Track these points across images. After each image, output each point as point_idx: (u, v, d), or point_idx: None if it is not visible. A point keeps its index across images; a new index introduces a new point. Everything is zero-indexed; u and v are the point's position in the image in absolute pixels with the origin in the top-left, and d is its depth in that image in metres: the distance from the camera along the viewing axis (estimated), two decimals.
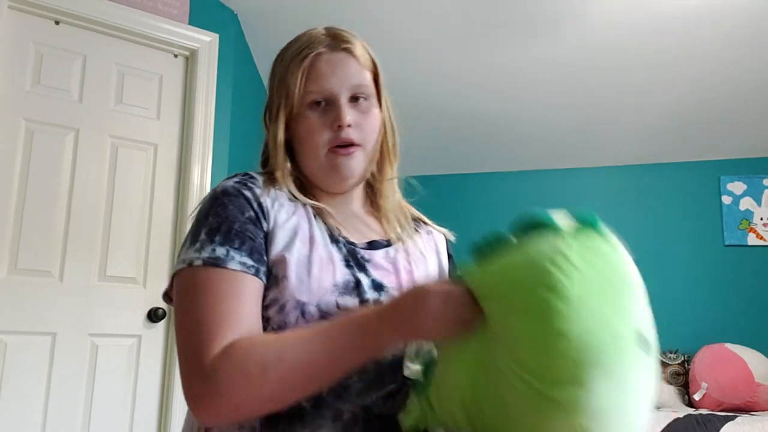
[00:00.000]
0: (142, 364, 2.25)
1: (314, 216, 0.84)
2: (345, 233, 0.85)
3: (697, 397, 3.02)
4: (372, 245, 0.86)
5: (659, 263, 3.56)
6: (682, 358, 3.28)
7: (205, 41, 2.53)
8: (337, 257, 0.81)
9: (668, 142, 3.54)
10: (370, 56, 0.91)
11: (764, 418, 2.63)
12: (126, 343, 2.23)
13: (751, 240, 3.49)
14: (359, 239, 0.86)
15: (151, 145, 2.40)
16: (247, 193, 0.81)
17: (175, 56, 2.51)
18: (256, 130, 2.95)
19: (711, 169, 3.62)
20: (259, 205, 0.80)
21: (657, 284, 3.72)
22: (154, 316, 2.27)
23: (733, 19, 2.59)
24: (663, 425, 2.59)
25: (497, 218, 3.95)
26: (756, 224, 3.51)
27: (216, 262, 0.74)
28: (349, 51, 0.87)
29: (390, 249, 0.87)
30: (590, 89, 3.12)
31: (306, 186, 0.88)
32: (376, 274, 0.83)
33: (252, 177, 0.85)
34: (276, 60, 0.91)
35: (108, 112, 2.33)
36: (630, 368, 0.60)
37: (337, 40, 0.88)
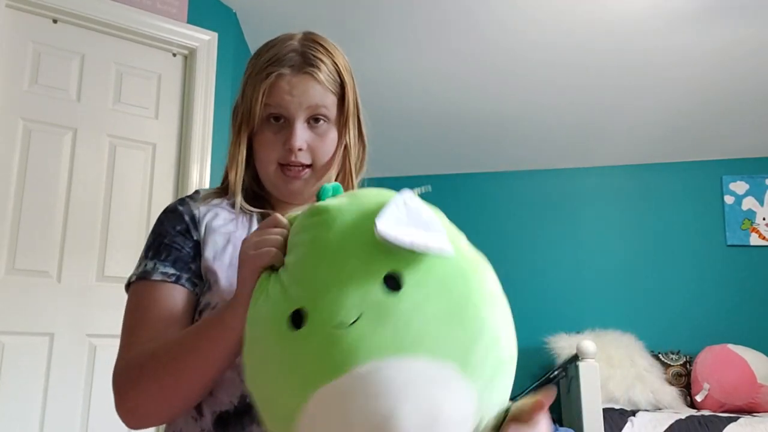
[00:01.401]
0: None
1: (258, 220, 0.86)
2: None
3: (699, 398, 3.00)
4: None
5: (661, 263, 3.55)
6: (684, 359, 3.26)
7: (204, 40, 2.51)
8: None
9: (670, 142, 3.52)
10: (339, 77, 0.88)
11: (766, 419, 2.61)
12: None
13: (754, 240, 3.48)
14: None
15: (149, 145, 2.39)
16: (181, 208, 0.86)
17: (174, 55, 2.50)
18: None
19: (713, 168, 3.61)
20: (191, 216, 0.85)
21: (659, 284, 3.71)
22: None
23: (735, 19, 2.58)
24: (665, 426, 2.58)
25: (497, 218, 3.97)
26: (758, 224, 3.49)
27: (143, 275, 0.81)
28: (312, 75, 0.86)
29: None
30: (591, 89, 3.11)
31: (262, 194, 0.90)
32: None
33: (195, 193, 0.90)
34: (249, 62, 0.91)
35: (106, 112, 2.31)
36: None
37: (305, 61, 0.86)
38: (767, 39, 2.70)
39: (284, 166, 0.85)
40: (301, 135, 0.85)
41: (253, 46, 2.89)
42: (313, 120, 0.86)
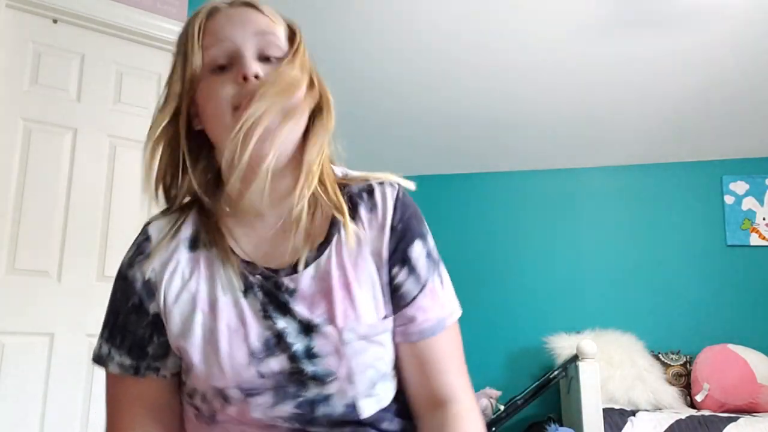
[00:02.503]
0: None
1: (223, 261, 0.72)
2: (264, 260, 0.73)
3: (699, 398, 3.00)
4: (296, 267, 0.72)
5: (661, 263, 3.54)
6: (684, 359, 3.26)
7: None
8: (250, 313, 0.70)
9: (670, 142, 3.52)
10: (285, 19, 0.76)
11: (766, 419, 2.61)
12: None
13: (754, 240, 3.48)
14: (283, 261, 0.72)
15: None
16: (131, 273, 0.73)
17: None
18: None
19: (713, 168, 3.61)
20: (144, 282, 0.72)
21: (659, 285, 3.71)
22: None
23: (736, 18, 2.58)
24: (665, 426, 2.57)
25: (497, 218, 3.96)
26: (758, 224, 3.49)
27: (100, 361, 0.75)
28: (253, 6, 0.73)
29: (321, 259, 0.72)
30: (591, 89, 3.11)
31: (223, 183, 0.74)
32: (304, 310, 0.70)
33: (146, 238, 0.75)
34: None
35: (106, 112, 2.32)
36: None
37: (233, 2, 0.74)
38: (765, 38, 2.70)
39: (237, 108, 0.68)
40: (254, 63, 0.69)
41: None
42: (264, 59, 0.71)
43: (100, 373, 2.26)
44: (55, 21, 2.26)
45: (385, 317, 0.73)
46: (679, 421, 2.60)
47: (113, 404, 0.74)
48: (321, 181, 0.74)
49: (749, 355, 2.99)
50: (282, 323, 0.70)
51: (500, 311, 3.61)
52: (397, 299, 0.74)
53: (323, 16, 2.66)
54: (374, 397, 0.72)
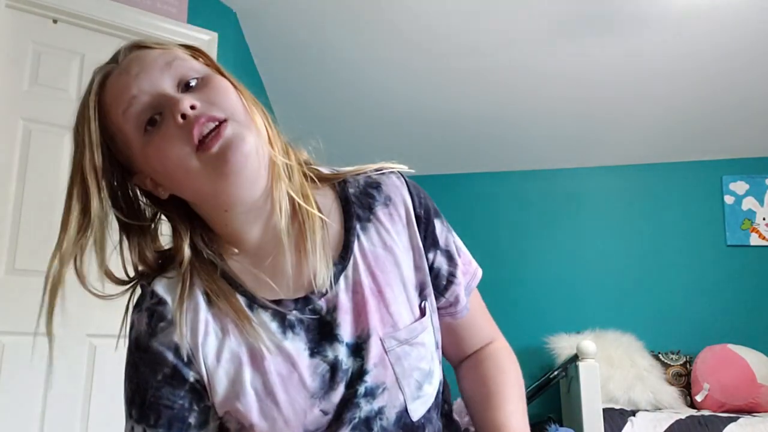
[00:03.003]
0: None
1: (249, 306, 0.67)
2: (292, 293, 0.68)
3: (699, 398, 3.00)
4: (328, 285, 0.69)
5: (661, 263, 3.54)
6: (684, 359, 3.26)
7: (204, 40, 2.51)
8: (297, 354, 0.67)
9: (670, 142, 3.52)
10: (177, 43, 0.69)
11: (766, 419, 2.61)
12: (125, 344, 2.22)
13: (754, 240, 3.48)
14: (309, 285, 0.68)
15: None
16: (155, 345, 0.66)
17: None
18: None
19: (713, 168, 3.61)
20: (177, 351, 0.66)
21: (659, 284, 3.71)
22: None
23: (737, 17, 2.58)
24: (665, 426, 2.57)
25: (497, 218, 3.96)
26: (758, 224, 3.49)
27: None
28: (139, 46, 0.66)
29: (348, 270, 0.69)
30: (591, 89, 3.11)
31: (218, 232, 0.69)
32: (346, 328, 0.68)
33: (158, 302, 0.68)
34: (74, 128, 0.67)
35: None
36: None
37: (128, 47, 0.67)
38: (766, 38, 2.70)
39: (199, 145, 0.61)
40: (181, 96, 0.62)
41: (254, 46, 2.89)
42: (186, 87, 0.64)
43: (101, 373, 2.25)
44: (55, 21, 2.26)
45: (421, 317, 0.72)
46: (679, 421, 2.60)
47: None
48: (304, 194, 0.69)
49: (749, 355, 2.99)
50: (331, 353, 0.67)
51: (500, 311, 3.59)
52: (438, 282, 0.75)
53: (321, 20, 2.66)
54: (422, 398, 0.71)
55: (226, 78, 0.67)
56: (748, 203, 3.52)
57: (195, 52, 0.68)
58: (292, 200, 0.68)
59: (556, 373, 2.89)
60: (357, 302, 0.68)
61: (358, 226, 0.71)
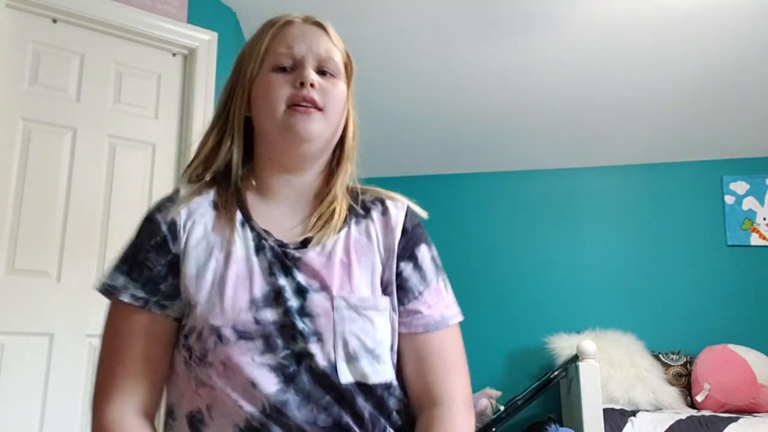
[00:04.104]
0: None
1: (242, 223, 0.82)
2: (277, 234, 0.82)
3: (699, 398, 3.00)
4: (306, 242, 0.82)
5: (661, 263, 3.54)
6: (685, 359, 3.26)
7: (204, 40, 2.51)
8: (258, 269, 0.79)
9: (670, 142, 3.52)
10: (343, 44, 0.89)
11: (767, 419, 2.61)
12: None
13: (754, 240, 3.48)
14: (293, 237, 0.83)
15: (149, 145, 2.39)
16: (158, 217, 0.82)
17: (174, 55, 2.50)
18: None
19: (714, 168, 3.61)
20: (171, 224, 0.81)
21: (659, 284, 3.70)
22: None
23: (736, 17, 2.58)
24: (665, 426, 2.57)
25: (497, 218, 3.96)
26: (759, 224, 3.49)
27: (112, 289, 0.80)
28: (321, 26, 0.87)
29: (328, 242, 0.82)
30: (591, 88, 3.11)
31: (259, 170, 0.86)
32: (303, 277, 0.79)
33: (176, 192, 0.85)
34: (247, 43, 0.90)
35: (106, 111, 2.31)
36: None
37: (310, 17, 0.87)
38: (765, 38, 2.70)
39: (292, 106, 0.80)
40: (313, 73, 0.82)
41: None
42: (321, 72, 0.84)
43: None
44: (54, 21, 2.26)
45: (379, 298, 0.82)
46: (679, 422, 2.59)
47: (114, 335, 0.80)
48: (342, 189, 0.87)
49: (749, 355, 2.99)
50: (282, 281, 0.78)
51: (500, 311, 3.61)
52: (404, 292, 0.84)
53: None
54: (356, 369, 0.77)
55: (348, 85, 0.87)
56: (749, 203, 3.52)
57: (348, 58, 0.88)
58: (326, 183, 0.87)
59: (556, 373, 2.89)
60: (322, 264, 0.80)
61: (353, 221, 0.86)
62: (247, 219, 0.82)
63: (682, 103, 3.19)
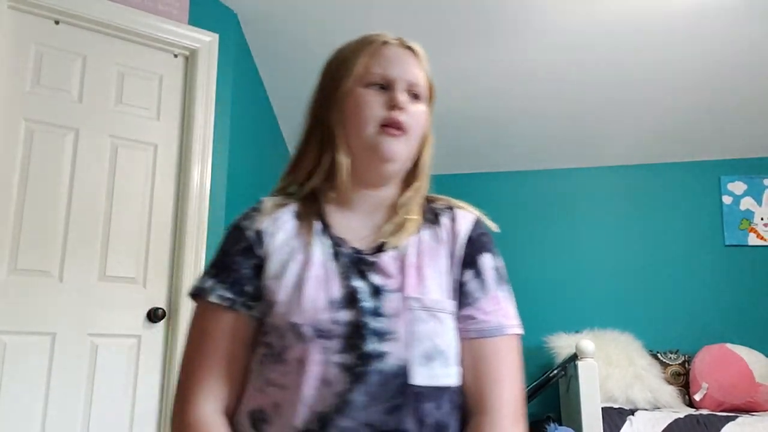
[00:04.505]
0: (142, 364, 2.24)
1: (321, 231, 0.86)
2: (353, 241, 0.86)
3: (697, 397, 3.01)
4: (381, 247, 0.85)
5: (659, 263, 3.56)
6: (683, 359, 3.28)
7: (205, 41, 2.52)
8: (335, 273, 0.82)
9: (668, 142, 3.53)
10: (428, 67, 0.94)
11: (765, 418, 2.63)
12: (126, 344, 2.23)
13: (752, 240, 3.49)
14: (368, 244, 0.86)
15: (150, 145, 2.40)
16: (245, 224, 0.88)
17: (175, 56, 2.51)
18: (256, 130, 2.97)
19: (711, 168, 3.62)
20: (257, 232, 0.86)
21: (657, 284, 3.72)
22: (153, 316, 2.26)
23: (734, 18, 2.59)
24: (663, 425, 2.59)
25: (497, 218, 3.96)
26: (756, 224, 3.50)
27: (201, 292, 0.85)
28: (413, 51, 0.91)
29: (401, 246, 0.86)
30: (590, 89, 3.12)
31: (338, 183, 0.88)
32: (377, 278, 0.82)
33: (260, 203, 0.90)
34: (331, 57, 0.94)
35: (108, 112, 2.32)
36: None
37: (402, 40, 0.92)
38: (765, 38, 2.71)
39: (383, 127, 0.85)
40: (404, 96, 0.86)
41: (254, 47, 2.90)
42: (410, 92, 0.88)
43: (102, 372, 2.25)
44: (57, 22, 2.27)
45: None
46: (677, 420, 2.61)
47: (202, 333, 0.84)
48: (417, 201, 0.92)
49: (747, 355, 3.00)
50: (358, 283, 0.81)
51: None
52: (462, 298, 0.85)
53: (321, 21, 2.67)
54: (428, 371, 0.78)
55: (429, 107, 0.93)
56: (746, 203, 3.54)
57: (430, 82, 0.93)
58: (401, 194, 0.92)
59: (555, 372, 2.90)
60: (396, 267, 0.83)
61: (424, 227, 0.90)
62: (326, 227, 0.87)
63: (680, 104, 3.20)
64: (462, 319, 0.84)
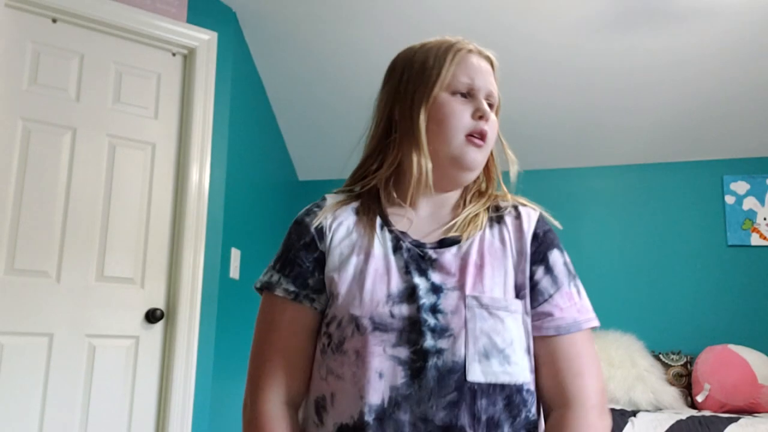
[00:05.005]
0: (140, 365, 2.23)
1: (381, 226, 0.88)
2: (415, 235, 0.88)
3: (699, 398, 3.00)
4: (443, 243, 0.87)
5: (662, 263, 3.54)
6: (685, 360, 3.26)
7: (204, 39, 2.51)
8: (396, 267, 0.84)
9: (671, 142, 3.52)
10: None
11: (767, 419, 2.61)
12: (124, 344, 2.22)
13: (755, 240, 3.47)
14: (431, 239, 0.88)
15: (149, 145, 2.39)
16: (308, 219, 0.90)
17: (174, 55, 2.50)
18: (255, 129, 2.96)
19: (714, 168, 3.60)
20: (318, 227, 0.88)
21: (659, 285, 3.70)
22: (151, 316, 2.25)
23: (737, 18, 2.57)
24: (665, 427, 2.57)
25: None
26: (759, 224, 3.49)
27: (269, 286, 0.88)
28: (491, 63, 0.93)
29: (463, 243, 0.86)
30: (591, 89, 3.10)
31: (405, 184, 0.90)
32: (437, 277, 0.83)
33: (323, 200, 0.93)
34: (402, 59, 0.95)
35: (105, 111, 2.31)
36: None
37: (482, 51, 0.93)
38: (766, 39, 2.70)
39: (469, 136, 0.87)
40: (486, 107, 0.88)
41: (253, 45, 2.88)
42: (487, 101, 0.90)
43: (100, 373, 2.24)
44: (54, 20, 2.25)
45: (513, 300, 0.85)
46: (679, 422, 2.59)
47: (269, 325, 0.88)
48: (482, 194, 0.96)
49: (750, 356, 2.99)
50: (417, 280, 0.83)
51: None
52: (535, 295, 0.86)
53: (321, 20, 2.65)
54: (485, 368, 0.79)
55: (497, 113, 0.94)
56: (749, 203, 3.52)
57: (498, 98, 0.94)
58: (463, 195, 0.94)
59: None
60: (457, 265, 0.84)
61: (488, 226, 0.90)
62: (386, 223, 0.89)
63: (683, 103, 3.18)
64: (537, 317, 0.85)
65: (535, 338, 0.85)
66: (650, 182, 3.68)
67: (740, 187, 3.55)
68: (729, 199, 3.55)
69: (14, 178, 2.11)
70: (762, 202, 3.51)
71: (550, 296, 0.86)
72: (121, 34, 2.37)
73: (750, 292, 3.42)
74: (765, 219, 3.49)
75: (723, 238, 3.51)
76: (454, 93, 0.88)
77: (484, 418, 0.78)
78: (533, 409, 0.83)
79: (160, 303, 2.30)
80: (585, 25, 2.66)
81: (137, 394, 2.21)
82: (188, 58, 2.51)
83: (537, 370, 0.85)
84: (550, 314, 0.85)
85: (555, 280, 0.87)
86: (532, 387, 0.83)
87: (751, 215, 3.51)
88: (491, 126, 0.88)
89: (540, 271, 0.87)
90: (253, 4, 2.63)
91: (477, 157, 0.87)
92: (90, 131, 2.27)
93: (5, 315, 2.02)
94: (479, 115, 0.87)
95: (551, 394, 0.83)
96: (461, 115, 0.86)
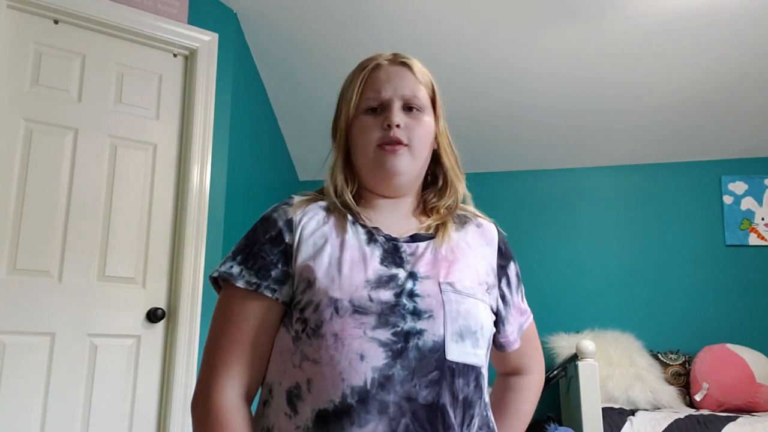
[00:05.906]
0: (142, 364, 2.24)
1: (353, 222, 0.91)
2: (386, 230, 0.91)
3: (698, 397, 3.01)
4: (414, 238, 0.91)
5: (660, 263, 3.55)
6: (683, 359, 3.27)
7: (205, 41, 2.52)
8: (370, 256, 0.87)
9: (669, 142, 3.53)
10: (429, 77, 0.99)
11: (765, 418, 2.62)
12: (125, 344, 2.23)
13: (753, 240, 3.49)
14: (401, 234, 0.92)
15: (150, 145, 2.40)
16: (275, 215, 0.91)
17: (175, 56, 2.51)
18: (256, 130, 2.98)
19: (712, 168, 3.61)
20: (287, 221, 0.89)
21: (658, 284, 3.71)
22: (153, 316, 2.26)
23: (735, 18, 2.59)
24: (664, 426, 2.58)
25: (497, 218, 3.94)
26: (757, 224, 3.50)
27: (228, 277, 0.87)
28: (406, 65, 0.96)
29: (433, 240, 0.91)
30: (590, 89, 3.11)
31: (362, 192, 0.96)
32: (411, 267, 0.87)
33: (290, 198, 0.95)
34: (345, 82, 1.00)
35: (107, 112, 2.32)
36: None
37: (397, 57, 0.97)
38: (766, 39, 2.71)
39: (381, 146, 0.91)
40: (399, 114, 0.92)
41: (254, 46, 2.89)
42: (407, 108, 0.93)
43: (101, 372, 2.25)
44: (56, 22, 2.26)
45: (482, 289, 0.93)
46: (678, 421, 2.60)
47: (227, 321, 0.87)
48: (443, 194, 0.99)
49: (748, 355, 3.00)
50: (395, 271, 0.86)
51: None
52: (502, 303, 0.97)
53: (321, 21, 2.66)
54: (460, 348, 0.84)
55: (436, 115, 0.98)
56: (747, 203, 3.53)
57: (433, 90, 0.98)
58: (421, 200, 1.00)
59: (555, 372, 2.90)
60: (431, 258, 0.89)
61: (452, 228, 0.96)
62: (356, 219, 0.92)
63: (681, 104, 3.20)
64: (510, 321, 0.99)
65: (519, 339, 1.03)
66: (648, 182, 3.69)
67: (738, 187, 3.57)
68: (727, 200, 3.56)
69: (16, 178, 2.12)
70: (760, 202, 3.53)
71: (516, 303, 1.02)
72: (123, 35, 2.38)
73: (748, 291, 3.43)
74: (763, 219, 3.50)
75: (721, 238, 3.53)
76: (366, 111, 0.93)
77: (461, 397, 0.83)
78: (486, 396, 0.91)
79: (161, 302, 2.31)
80: (582, 26, 2.67)
81: (138, 393, 2.22)
82: (189, 59, 2.52)
83: (508, 358, 1.03)
84: (517, 319, 1.02)
85: (517, 288, 1.02)
86: (485, 373, 0.91)
87: (749, 215, 3.52)
88: (409, 130, 0.92)
89: (504, 282, 0.98)
90: (254, 5, 2.64)
91: (395, 162, 0.90)
92: (91, 132, 2.28)
93: (7, 314, 2.03)
94: (387, 124, 0.91)
95: (514, 364, 1.06)
96: (370, 130, 0.91)
